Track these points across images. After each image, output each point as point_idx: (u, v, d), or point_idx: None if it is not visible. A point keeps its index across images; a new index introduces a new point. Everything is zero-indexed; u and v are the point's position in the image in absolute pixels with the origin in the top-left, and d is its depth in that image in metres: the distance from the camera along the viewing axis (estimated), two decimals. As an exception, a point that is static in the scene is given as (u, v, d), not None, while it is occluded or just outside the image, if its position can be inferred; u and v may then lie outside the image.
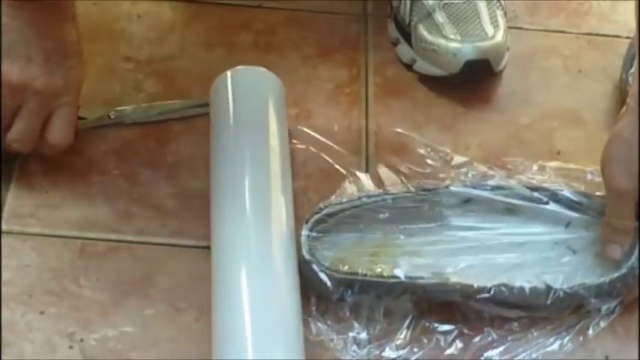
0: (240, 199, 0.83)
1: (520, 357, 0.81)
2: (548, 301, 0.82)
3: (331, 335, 0.80)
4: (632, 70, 1.00)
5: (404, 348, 0.81)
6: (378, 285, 0.81)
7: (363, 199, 0.86)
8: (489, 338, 0.82)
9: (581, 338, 0.83)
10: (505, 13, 1.03)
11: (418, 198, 0.87)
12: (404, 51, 1.04)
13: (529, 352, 0.82)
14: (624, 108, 0.86)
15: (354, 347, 0.80)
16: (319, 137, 0.95)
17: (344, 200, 0.87)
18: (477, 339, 0.82)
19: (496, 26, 1.00)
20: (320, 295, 0.82)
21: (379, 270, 0.82)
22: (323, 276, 0.81)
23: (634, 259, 0.84)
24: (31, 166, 0.90)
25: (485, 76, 1.01)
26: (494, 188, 0.88)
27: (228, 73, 0.91)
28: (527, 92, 1.03)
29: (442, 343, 0.81)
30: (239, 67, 0.92)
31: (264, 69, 0.92)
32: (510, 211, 0.88)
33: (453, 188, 0.88)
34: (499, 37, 0.99)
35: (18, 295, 0.82)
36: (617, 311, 0.84)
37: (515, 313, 0.83)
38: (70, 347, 0.80)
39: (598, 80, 1.05)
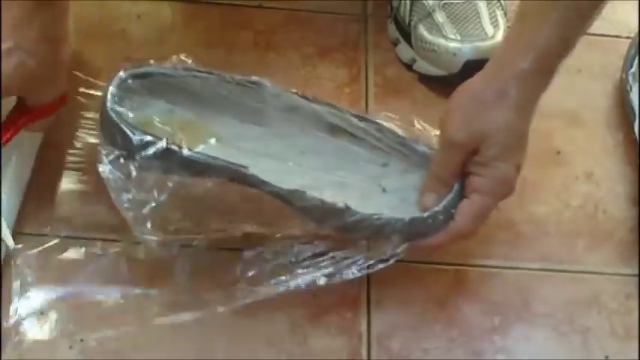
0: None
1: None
2: (344, 221, 0.80)
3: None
4: (632, 70, 1.01)
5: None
6: (171, 152, 0.79)
7: (180, 72, 0.85)
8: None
9: (358, 270, 0.82)
10: (505, 13, 1.03)
11: (241, 88, 0.86)
12: (404, 51, 1.04)
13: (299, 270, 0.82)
14: None
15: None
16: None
17: (162, 66, 0.85)
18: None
19: (496, 26, 1.00)
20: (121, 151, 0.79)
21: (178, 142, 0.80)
22: (124, 128, 0.79)
23: (439, 207, 0.82)
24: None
25: (485, 76, 1.01)
26: (322, 104, 0.87)
27: None
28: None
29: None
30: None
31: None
32: (334, 131, 0.88)
33: (278, 87, 0.86)
34: (499, 37, 0.99)
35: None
36: (401, 255, 0.82)
37: (309, 225, 0.82)
38: (70, 347, 0.80)
39: (598, 80, 1.05)
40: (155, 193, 0.79)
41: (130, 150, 0.78)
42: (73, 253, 0.85)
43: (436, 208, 0.82)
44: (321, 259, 0.82)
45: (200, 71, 0.85)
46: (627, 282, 0.90)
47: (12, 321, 0.80)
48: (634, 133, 0.97)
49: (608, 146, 1.00)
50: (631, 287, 0.90)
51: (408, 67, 1.03)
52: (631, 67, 1.01)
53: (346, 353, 0.83)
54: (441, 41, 0.99)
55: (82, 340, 0.80)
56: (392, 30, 1.06)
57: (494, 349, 0.85)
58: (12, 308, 0.81)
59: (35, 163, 0.89)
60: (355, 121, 0.87)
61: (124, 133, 0.79)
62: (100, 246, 0.86)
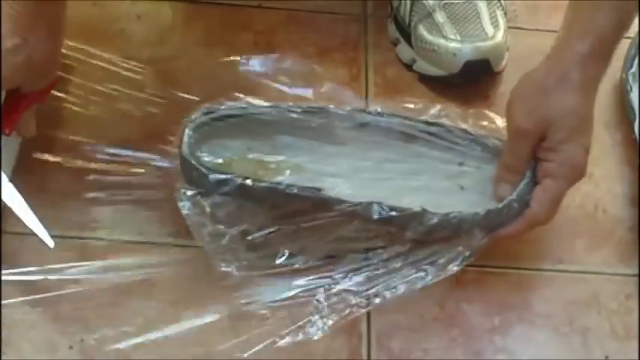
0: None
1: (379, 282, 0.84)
2: (424, 224, 0.83)
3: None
4: (632, 70, 1.01)
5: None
6: (254, 189, 0.82)
7: (250, 109, 0.88)
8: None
9: (447, 268, 0.84)
10: (505, 13, 1.03)
11: (309, 114, 0.88)
12: (404, 51, 1.04)
13: (388, 280, 0.84)
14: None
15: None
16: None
17: (232, 106, 0.88)
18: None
19: (496, 26, 1.00)
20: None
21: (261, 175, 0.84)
22: (201, 169, 0.82)
23: (513, 196, 0.84)
24: (32, 166, 0.90)
25: (485, 76, 1.01)
26: (392, 117, 0.90)
27: None
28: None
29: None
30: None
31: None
32: (407, 140, 0.90)
33: (347, 109, 0.90)
34: (499, 37, 0.99)
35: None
36: (482, 245, 0.84)
37: (391, 232, 0.84)
38: (70, 347, 0.80)
39: (598, 80, 1.05)
40: (232, 226, 0.83)
41: (207, 189, 0.82)
42: (71, 252, 0.85)
43: (510, 197, 0.84)
44: (407, 263, 0.85)
45: (268, 106, 0.88)
46: (627, 282, 0.90)
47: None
48: (634, 133, 0.97)
49: (607, 146, 1.00)
50: (631, 287, 0.90)
51: (408, 67, 1.03)
52: (631, 67, 1.01)
53: (346, 353, 0.83)
54: (441, 41, 0.99)
55: (82, 340, 0.80)
56: (392, 30, 1.06)
57: (495, 349, 0.85)
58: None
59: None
60: (424, 126, 0.90)
61: (201, 174, 0.82)
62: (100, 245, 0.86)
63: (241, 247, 0.83)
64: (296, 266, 0.84)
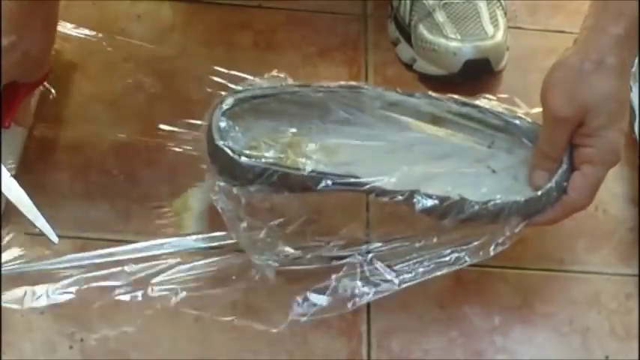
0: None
1: (412, 262, 0.83)
2: (462, 214, 0.81)
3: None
4: (633, 70, 1.00)
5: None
6: (286, 176, 0.80)
7: (279, 89, 0.86)
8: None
9: (480, 253, 0.83)
10: (505, 13, 1.03)
11: (339, 94, 0.87)
12: (404, 51, 1.04)
13: (422, 259, 0.83)
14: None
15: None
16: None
17: (262, 86, 0.86)
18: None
19: (496, 26, 1.00)
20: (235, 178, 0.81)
21: (289, 162, 0.82)
22: (236, 158, 0.80)
23: (551, 184, 0.83)
24: (32, 166, 0.90)
25: (485, 76, 1.01)
26: (422, 97, 0.88)
27: None
28: (527, 92, 1.02)
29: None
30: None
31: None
32: (436, 121, 0.89)
33: (378, 89, 0.88)
34: (499, 36, 0.99)
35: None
36: (520, 233, 0.83)
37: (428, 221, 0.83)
38: (70, 347, 0.80)
39: (598, 80, 1.05)
40: (268, 219, 0.81)
41: (242, 179, 0.80)
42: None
43: (549, 185, 0.83)
44: (443, 248, 0.83)
45: (296, 85, 0.87)
46: (627, 282, 0.90)
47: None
48: (634, 133, 0.97)
49: (608, 146, 0.99)
50: (631, 287, 0.90)
51: (408, 66, 1.03)
52: (631, 67, 1.01)
53: (346, 353, 0.83)
54: (442, 41, 0.99)
55: (82, 340, 0.80)
56: (392, 30, 1.06)
57: (495, 350, 0.85)
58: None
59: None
60: (456, 107, 0.88)
61: (235, 163, 0.80)
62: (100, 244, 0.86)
63: (279, 239, 0.82)
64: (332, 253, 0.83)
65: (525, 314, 0.87)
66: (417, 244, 0.83)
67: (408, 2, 1.03)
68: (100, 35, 0.99)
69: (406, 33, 1.03)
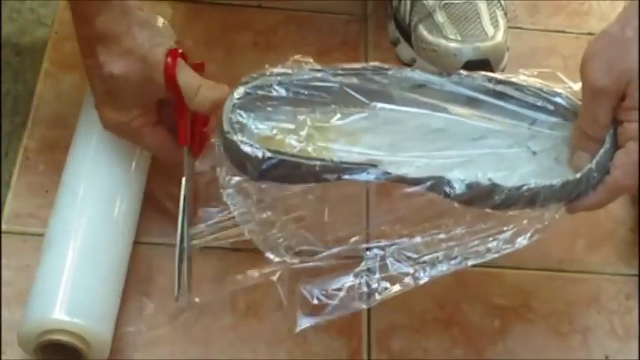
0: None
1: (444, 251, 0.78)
2: (492, 200, 0.75)
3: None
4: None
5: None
6: (305, 165, 0.75)
7: (295, 75, 0.81)
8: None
9: (517, 241, 0.79)
10: (505, 13, 1.03)
11: (359, 77, 0.82)
12: (404, 51, 1.04)
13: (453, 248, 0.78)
14: None
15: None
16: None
17: (276, 72, 0.80)
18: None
19: (496, 26, 1.00)
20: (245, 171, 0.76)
21: (310, 150, 0.77)
22: (247, 149, 0.74)
23: (592, 165, 0.77)
24: (32, 166, 0.90)
25: (485, 76, 1.01)
26: (454, 76, 0.83)
27: None
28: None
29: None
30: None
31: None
32: (470, 103, 0.83)
33: (403, 71, 0.82)
34: (499, 37, 0.99)
35: (18, 295, 0.82)
36: (558, 216, 0.79)
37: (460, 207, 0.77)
38: (70, 347, 0.80)
39: (598, 80, 1.05)
40: (280, 214, 0.77)
41: (254, 171, 0.75)
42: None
43: (589, 166, 0.77)
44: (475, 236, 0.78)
45: (315, 69, 0.81)
46: (627, 282, 0.90)
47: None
48: (634, 133, 0.97)
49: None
50: (631, 287, 0.90)
51: (408, 67, 1.03)
52: (631, 67, 1.01)
53: (346, 353, 0.83)
54: (442, 41, 0.99)
55: (82, 340, 0.80)
56: (392, 30, 1.06)
57: (495, 349, 0.85)
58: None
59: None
60: (491, 86, 0.83)
61: (249, 156, 0.74)
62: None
63: (293, 234, 0.78)
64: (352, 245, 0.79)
65: (525, 314, 0.87)
66: (442, 236, 0.78)
67: (408, 2, 1.03)
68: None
69: (406, 33, 1.04)
